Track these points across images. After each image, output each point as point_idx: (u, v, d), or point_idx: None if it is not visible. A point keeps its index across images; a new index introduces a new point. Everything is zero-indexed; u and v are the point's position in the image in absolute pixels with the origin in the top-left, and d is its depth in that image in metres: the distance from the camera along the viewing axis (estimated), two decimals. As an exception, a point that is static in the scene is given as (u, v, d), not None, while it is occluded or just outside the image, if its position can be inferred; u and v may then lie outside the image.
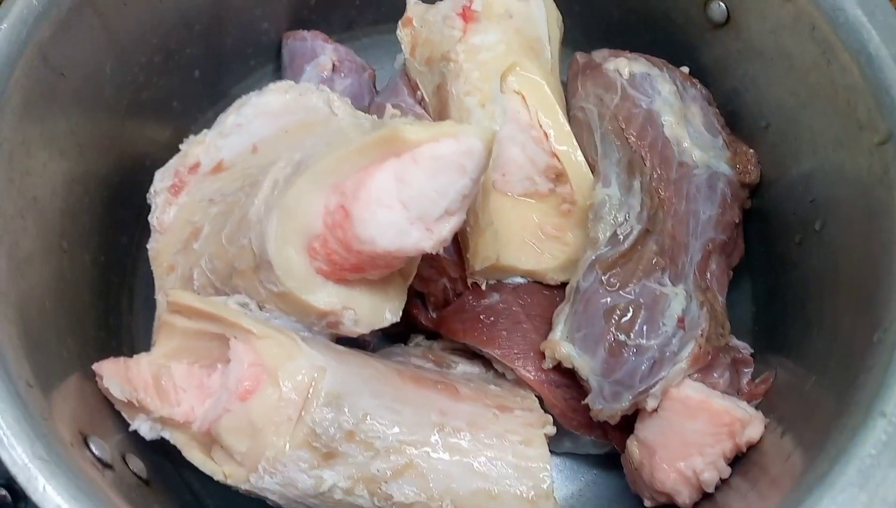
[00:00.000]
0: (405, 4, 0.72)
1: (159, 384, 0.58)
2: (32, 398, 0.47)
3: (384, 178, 0.52)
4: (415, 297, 0.69)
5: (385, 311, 0.57)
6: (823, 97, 0.60)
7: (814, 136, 0.62)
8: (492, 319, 0.65)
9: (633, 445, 0.61)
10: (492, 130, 0.53)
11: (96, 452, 0.51)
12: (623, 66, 0.67)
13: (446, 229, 0.52)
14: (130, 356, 0.66)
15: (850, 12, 0.57)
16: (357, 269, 0.55)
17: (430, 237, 0.52)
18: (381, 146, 0.52)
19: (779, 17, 0.62)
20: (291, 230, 0.55)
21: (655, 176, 0.63)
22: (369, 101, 0.78)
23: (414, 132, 0.51)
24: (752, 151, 0.69)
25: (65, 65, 0.59)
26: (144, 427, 0.58)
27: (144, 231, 0.67)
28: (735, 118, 0.70)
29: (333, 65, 0.77)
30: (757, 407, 0.62)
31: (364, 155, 0.53)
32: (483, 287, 0.67)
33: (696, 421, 0.58)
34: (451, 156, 0.51)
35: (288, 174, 0.57)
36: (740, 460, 0.60)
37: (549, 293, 0.68)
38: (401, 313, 0.58)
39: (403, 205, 0.52)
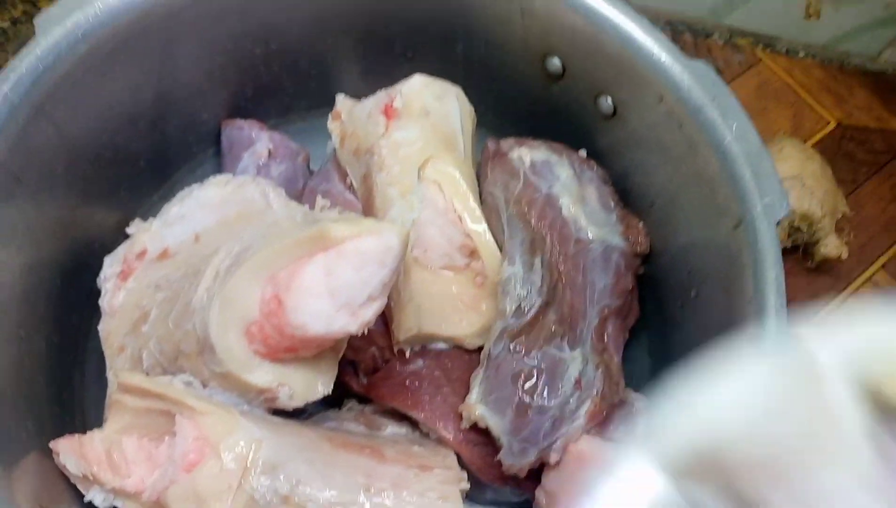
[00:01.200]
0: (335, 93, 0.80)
1: (111, 457, 0.63)
2: (5, 486, 0.52)
3: (314, 270, 0.59)
4: (347, 365, 0.76)
5: (318, 384, 0.64)
6: (693, 184, 0.69)
7: (687, 216, 0.72)
8: (416, 384, 0.73)
9: (540, 494, 0.69)
10: (406, 228, 0.61)
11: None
12: (525, 154, 0.76)
13: (370, 313, 0.60)
14: (83, 427, 0.72)
15: (709, 114, 0.67)
16: (291, 350, 0.62)
17: (355, 322, 0.60)
18: (312, 242, 0.60)
19: (654, 113, 0.72)
20: (231, 317, 0.62)
21: (555, 253, 0.71)
22: (303, 183, 0.85)
23: (339, 230, 0.59)
24: (641, 223, 0.78)
25: (22, 170, 0.66)
26: (98, 498, 0.63)
27: (95, 311, 0.73)
28: (627, 196, 0.79)
29: (269, 151, 0.84)
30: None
31: (296, 249, 0.60)
32: (408, 354, 0.74)
33: (591, 470, 0.66)
34: (372, 251, 0.59)
35: (228, 265, 0.64)
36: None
37: (468, 358, 0.75)
38: (332, 385, 0.65)
39: (331, 294, 0.59)
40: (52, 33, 0.65)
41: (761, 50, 1.24)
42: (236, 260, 0.64)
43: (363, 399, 0.77)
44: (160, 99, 0.79)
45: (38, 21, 0.66)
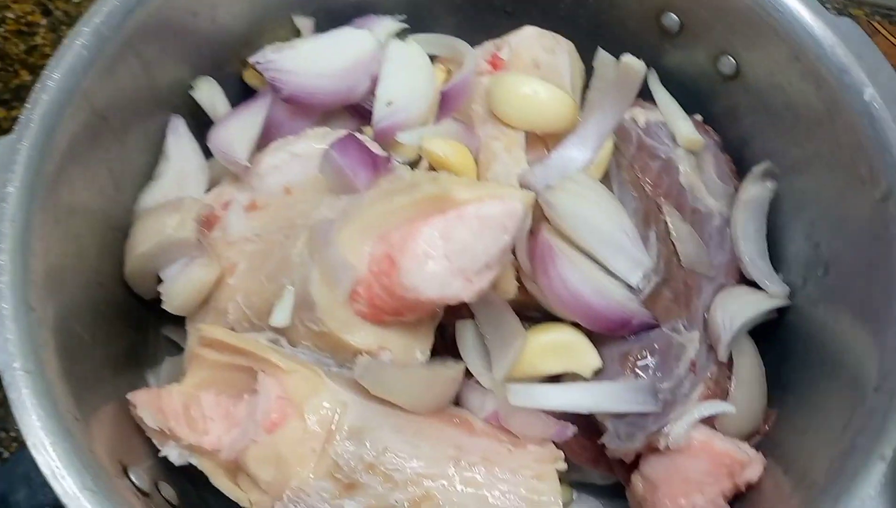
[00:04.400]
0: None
1: (189, 413, 0.61)
2: (79, 431, 0.50)
3: (431, 232, 0.55)
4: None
5: (416, 350, 0.60)
6: (828, 152, 0.63)
7: (819, 187, 0.65)
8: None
9: (637, 480, 0.63)
10: (531, 194, 0.56)
11: (135, 481, 0.54)
12: (639, 115, 0.70)
13: (485, 281, 0.56)
14: (157, 381, 0.69)
15: (855, 75, 0.60)
16: (396, 313, 0.58)
17: (469, 288, 0.55)
18: (430, 203, 0.56)
19: (785, 74, 0.65)
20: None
21: (670, 225, 0.65)
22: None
23: (461, 192, 0.55)
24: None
25: (108, 108, 0.63)
26: (174, 454, 0.60)
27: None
28: (743, 165, 0.72)
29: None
30: (759, 445, 0.64)
31: (412, 209, 0.57)
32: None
33: (698, 461, 0.60)
34: (495, 216, 0.55)
35: (332, 220, 0.60)
36: (740, 499, 0.62)
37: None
38: (429, 351, 0.61)
39: (447, 258, 0.55)
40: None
41: (878, 22, 1.14)
42: (342, 215, 0.60)
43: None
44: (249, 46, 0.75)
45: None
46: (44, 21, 1.01)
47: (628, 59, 0.65)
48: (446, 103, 0.70)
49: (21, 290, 0.51)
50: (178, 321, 0.69)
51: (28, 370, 0.49)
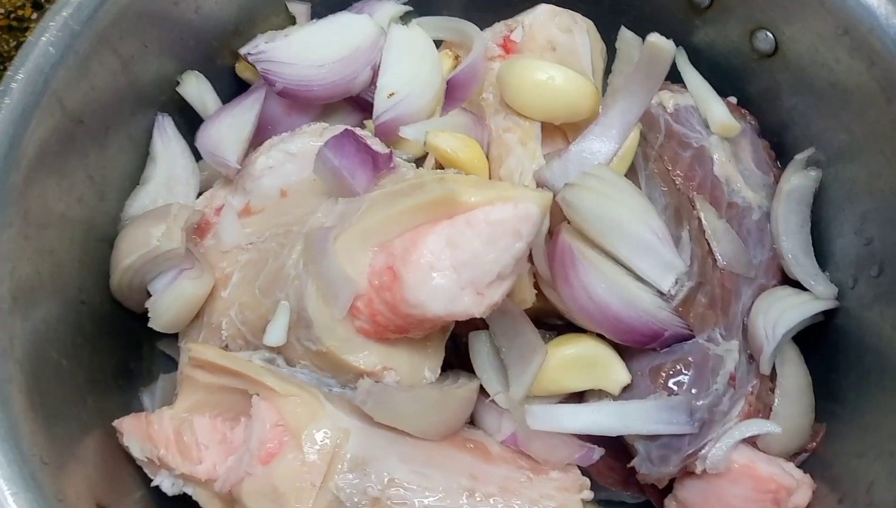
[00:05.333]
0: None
1: (181, 439, 0.56)
2: (47, 476, 0.45)
3: (436, 240, 0.50)
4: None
5: (424, 369, 0.55)
6: (882, 136, 0.56)
7: (871, 175, 0.58)
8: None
9: (671, 504, 0.58)
10: (548, 194, 0.50)
11: (116, 523, 0.49)
12: (667, 99, 0.64)
13: (498, 294, 0.50)
14: (152, 400, 0.65)
15: (915, 48, 0.53)
16: (401, 330, 0.53)
17: (481, 303, 0.50)
18: (435, 207, 0.50)
19: (832, 50, 0.58)
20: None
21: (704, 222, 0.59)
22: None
23: (469, 194, 0.49)
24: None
25: (84, 110, 0.57)
26: (167, 483, 0.57)
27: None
28: (783, 152, 0.66)
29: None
30: (807, 463, 0.59)
31: (415, 214, 0.51)
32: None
33: (740, 486, 0.55)
34: (507, 221, 0.49)
35: (329, 227, 0.54)
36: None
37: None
38: (439, 370, 0.56)
39: (455, 270, 0.49)
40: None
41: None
42: (339, 221, 0.54)
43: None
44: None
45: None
46: (35, 15, 0.96)
47: (655, 38, 0.58)
48: (453, 93, 0.65)
49: (-22, 320, 0.47)
50: (175, 334, 0.64)
51: (-14, 411, 0.44)
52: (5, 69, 0.91)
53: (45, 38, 0.54)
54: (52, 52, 0.54)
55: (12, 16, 0.97)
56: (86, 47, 0.56)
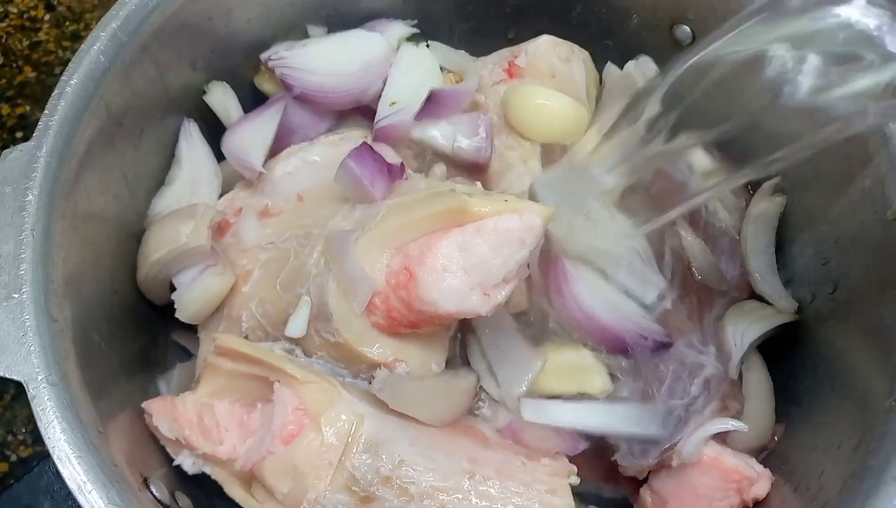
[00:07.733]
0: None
1: (202, 422, 0.60)
2: (102, 443, 0.49)
3: (449, 245, 0.55)
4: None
5: (431, 362, 0.60)
6: (837, 169, 0.63)
7: (827, 204, 0.65)
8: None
9: (646, 494, 0.64)
10: (550, 208, 0.56)
11: (156, 493, 0.54)
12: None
13: (502, 295, 0.56)
14: (168, 387, 0.69)
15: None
16: (413, 325, 0.58)
17: (487, 302, 0.55)
18: (448, 215, 0.56)
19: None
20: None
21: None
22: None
23: (479, 205, 0.55)
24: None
25: (124, 113, 0.62)
26: (188, 462, 0.60)
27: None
28: (753, 181, 0.73)
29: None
30: (768, 460, 0.65)
31: (430, 222, 0.57)
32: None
33: (708, 476, 0.61)
34: (513, 230, 0.55)
35: (348, 230, 0.60)
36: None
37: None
38: (444, 363, 0.61)
39: (466, 272, 0.55)
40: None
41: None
42: (358, 225, 0.60)
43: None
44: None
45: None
46: (47, 16, 1.00)
47: (630, 66, 0.65)
48: (434, 103, 0.70)
49: (42, 300, 0.51)
50: (188, 326, 0.69)
51: (52, 382, 0.48)
52: (19, 69, 0.96)
53: (96, 47, 0.58)
54: (102, 60, 0.59)
55: (25, 16, 1.00)
56: (130, 56, 0.61)
